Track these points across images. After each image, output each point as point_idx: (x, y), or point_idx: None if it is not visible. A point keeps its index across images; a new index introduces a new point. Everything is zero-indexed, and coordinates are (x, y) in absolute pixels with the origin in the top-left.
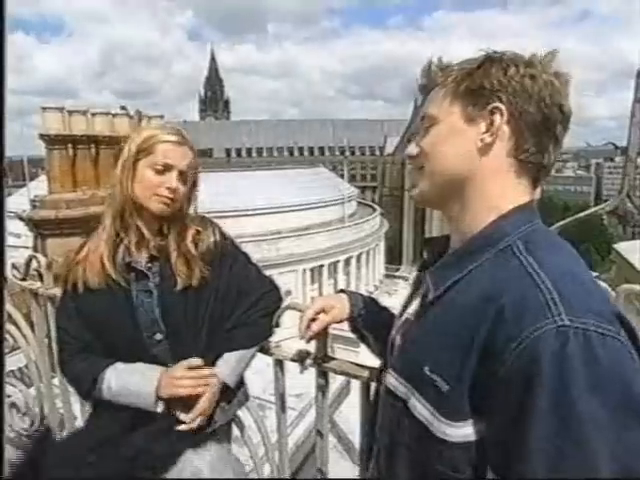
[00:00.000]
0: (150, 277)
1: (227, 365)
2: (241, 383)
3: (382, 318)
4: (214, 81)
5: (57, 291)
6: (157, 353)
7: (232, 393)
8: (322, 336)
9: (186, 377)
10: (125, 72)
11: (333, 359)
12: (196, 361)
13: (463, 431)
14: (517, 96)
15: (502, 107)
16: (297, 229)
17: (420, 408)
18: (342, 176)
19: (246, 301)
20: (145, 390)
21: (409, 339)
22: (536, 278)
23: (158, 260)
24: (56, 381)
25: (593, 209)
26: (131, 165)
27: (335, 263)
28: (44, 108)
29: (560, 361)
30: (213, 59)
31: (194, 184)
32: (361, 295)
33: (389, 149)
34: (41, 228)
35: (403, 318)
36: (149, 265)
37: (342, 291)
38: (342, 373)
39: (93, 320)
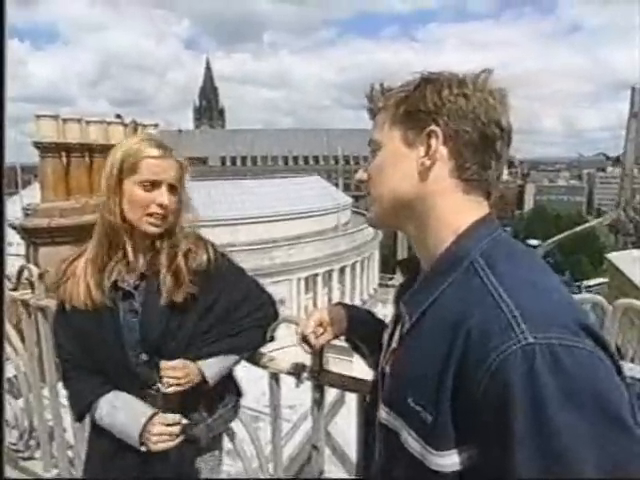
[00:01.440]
0: (136, 296)
1: (207, 361)
2: (229, 397)
3: (378, 331)
4: (209, 90)
5: (48, 302)
6: (141, 372)
7: (215, 403)
8: (317, 350)
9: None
10: (121, 80)
11: (330, 373)
12: (173, 417)
13: (452, 459)
14: (452, 117)
15: (437, 130)
16: (291, 238)
17: (411, 441)
18: (336, 185)
19: (238, 313)
20: (132, 434)
21: (393, 370)
22: (497, 297)
23: (147, 278)
24: (46, 392)
25: (592, 222)
26: (116, 184)
27: (329, 272)
28: (38, 116)
29: (530, 380)
30: (208, 68)
31: (180, 195)
32: (357, 308)
33: None
34: (34, 237)
35: (390, 348)
36: (137, 283)
37: (339, 304)
38: (339, 387)
39: (82, 337)
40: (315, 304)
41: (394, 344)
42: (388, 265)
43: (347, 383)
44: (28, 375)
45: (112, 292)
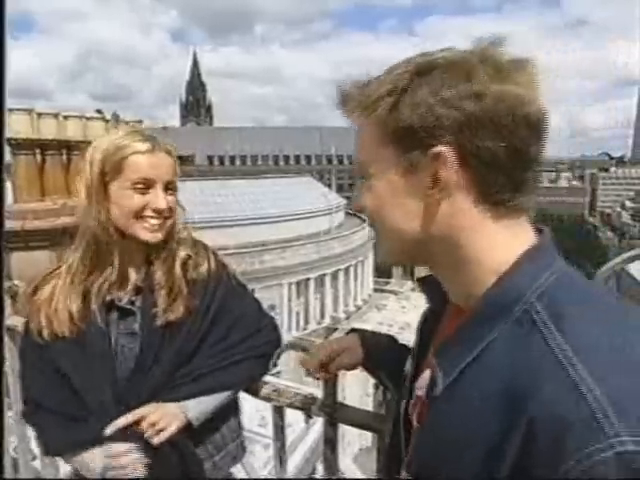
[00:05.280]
0: (135, 314)
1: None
2: (238, 431)
3: (404, 360)
4: (196, 85)
5: (16, 320)
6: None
7: (224, 438)
8: (331, 380)
9: None
10: (102, 73)
11: (345, 407)
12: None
13: None
14: (464, 129)
15: (445, 152)
16: (282, 241)
17: None
18: (329, 185)
19: (232, 338)
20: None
21: (421, 437)
22: (572, 374)
23: (142, 292)
24: (11, 413)
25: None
26: (100, 189)
27: (322, 276)
28: (10, 110)
29: None
30: (195, 62)
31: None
32: (375, 333)
33: None
34: (5, 241)
35: (416, 394)
36: (133, 299)
37: (354, 330)
38: (356, 424)
39: (64, 374)
40: (307, 310)
41: (420, 392)
42: (383, 269)
43: (366, 420)
44: None
45: (104, 312)
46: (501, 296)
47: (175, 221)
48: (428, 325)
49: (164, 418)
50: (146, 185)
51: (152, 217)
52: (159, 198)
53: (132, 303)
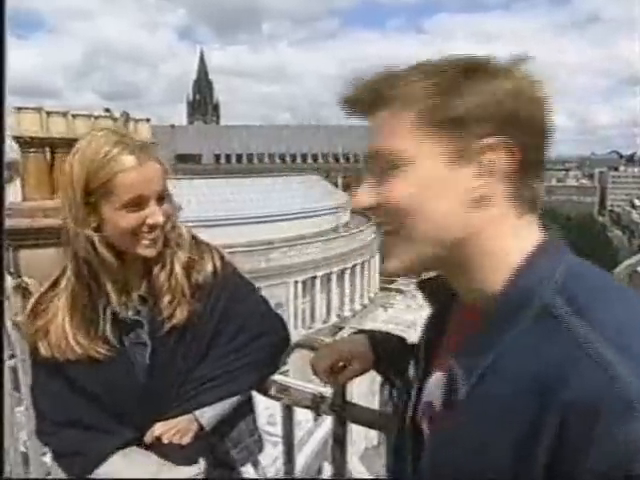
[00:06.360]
0: (144, 324)
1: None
2: (255, 426)
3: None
4: (203, 83)
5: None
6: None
7: (242, 434)
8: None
9: None
10: (110, 72)
11: (354, 406)
12: None
13: None
14: (517, 124)
15: (499, 143)
16: (289, 239)
17: None
18: (336, 184)
19: (244, 339)
20: None
21: (439, 443)
22: (600, 360)
23: (148, 302)
24: (22, 408)
25: None
26: (86, 210)
27: (328, 275)
28: (19, 108)
29: None
30: (202, 60)
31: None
32: (384, 334)
33: None
34: (12, 238)
35: (424, 399)
36: (139, 309)
37: (361, 332)
38: (365, 423)
39: (89, 390)
40: (313, 308)
41: (433, 399)
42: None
43: (375, 419)
44: None
45: (115, 327)
46: (518, 294)
47: (173, 223)
48: (433, 328)
49: (180, 430)
50: (139, 202)
51: (148, 232)
52: (155, 214)
53: (138, 313)
